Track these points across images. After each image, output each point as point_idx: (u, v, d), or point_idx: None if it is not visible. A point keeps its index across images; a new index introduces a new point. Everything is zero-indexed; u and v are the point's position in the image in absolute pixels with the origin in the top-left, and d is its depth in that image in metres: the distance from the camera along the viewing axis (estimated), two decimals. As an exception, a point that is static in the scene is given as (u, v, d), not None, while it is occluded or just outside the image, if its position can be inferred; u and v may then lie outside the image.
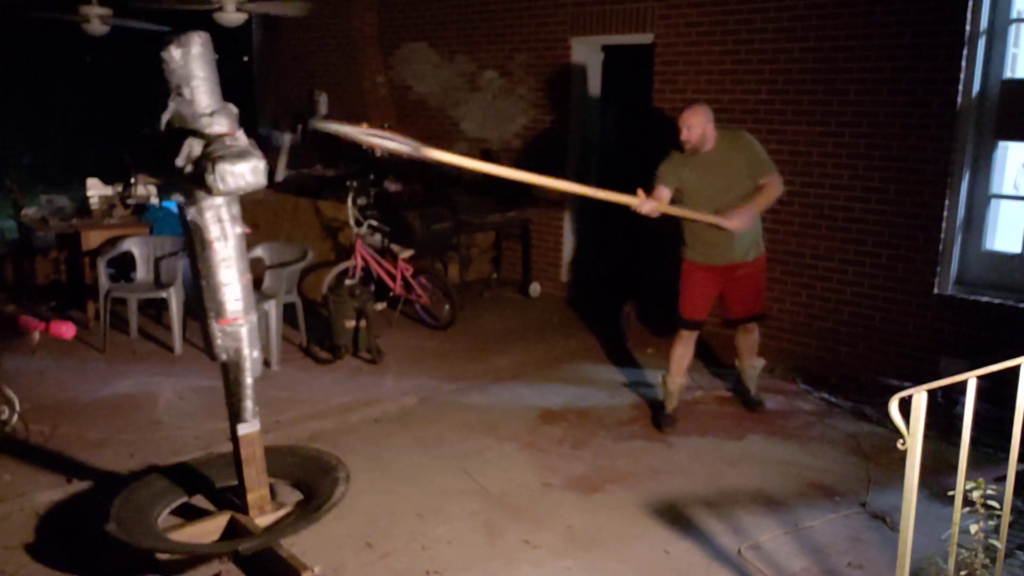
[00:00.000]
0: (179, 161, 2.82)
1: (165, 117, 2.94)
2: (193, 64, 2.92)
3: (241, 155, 2.79)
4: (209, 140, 2.82)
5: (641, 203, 4.28)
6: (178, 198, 3.02)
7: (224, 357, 3.18)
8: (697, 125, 4.42)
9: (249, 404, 3.25)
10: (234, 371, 3.21)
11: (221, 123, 2.92)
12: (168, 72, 2.91)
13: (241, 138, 2.92)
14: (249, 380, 3.22)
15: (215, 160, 2.75)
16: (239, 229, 3.10)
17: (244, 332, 3.15)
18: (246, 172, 2.79)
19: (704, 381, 5.53)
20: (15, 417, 4.26)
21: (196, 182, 2.82)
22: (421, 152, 3.58)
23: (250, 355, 3.19)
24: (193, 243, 3.07)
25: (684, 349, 4.81)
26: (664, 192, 4.50)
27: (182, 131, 2.90)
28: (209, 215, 3.00)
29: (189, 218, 3.03)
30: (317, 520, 3.21)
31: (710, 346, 5.87)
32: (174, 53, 2.90)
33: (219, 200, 2.99)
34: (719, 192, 4.52)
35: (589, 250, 7.82)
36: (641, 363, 5.87)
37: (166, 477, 3.62)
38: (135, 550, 3.19)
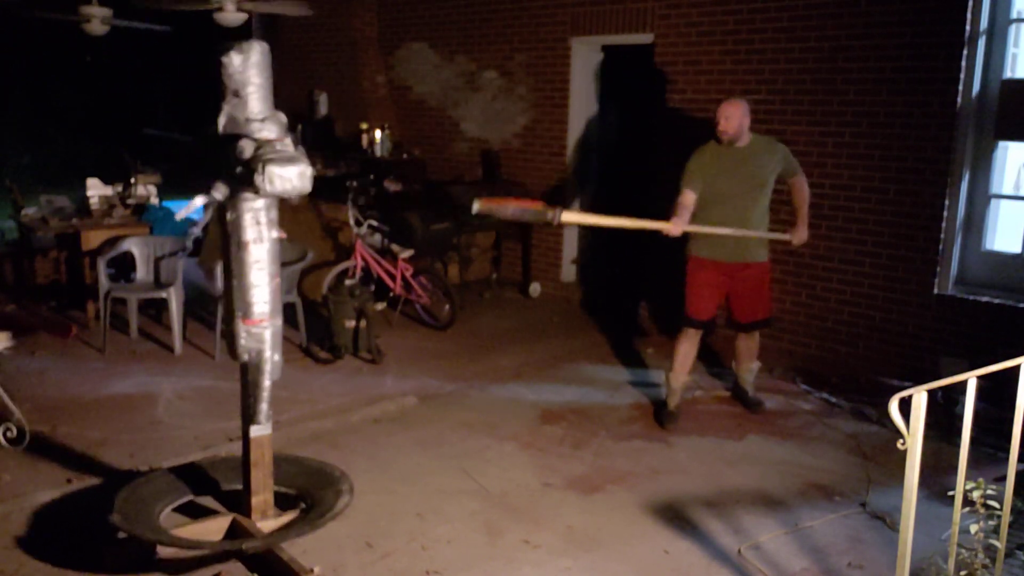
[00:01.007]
0: (231, 161, 2.92)
1: (222, 120, 3.02)
2: (251, 71, 3.01)
3: (291, 160, 2.89)
4: (260, 144, 2.92)
5: (672, 227, 4.46)
6: (209, 198, 3.06)
7: (246, 357, 3.22)
8: (735, 116, 4.49)
9: (264, 407, 3.29)
10: (254, 373, 3.25)
11: (271, 129, 3.00)
12: (225, 76, 2.99)
13: (289, 144, 3.00)
14: (267, 383, 3.26)
15: (266, 162, 2.84)
16: (275, 233, 3.17)
17: (268, 335, 3.21)
18: (294, 176, 2.88)
19: (704, 381, 5.53)
20: (15, 432, 4.26)
21: (244, 183, 2.91)
22: (557, 218, 4.29)
23: (271, 358, 3.24)
24: (229, 243, 3.13)
25: (689, 347, 4.81)
26: (690, 198, 4.55)
27: (226, 135, 3.00)
28: (248, 217, 3.08)
29: (229, 218, 3.09)
30: (320, 527, 3.23)
31: (711, 347, 5.87)
32: (234, 59, 2.98)
33: (260, 203, 3.07)
34: (743, 190, 4.56)
35: (589, 250, 7.82)
36: (641, 363, 5.87)
37: (170, 475, 3.63)
38: (137, 544, 3.21)
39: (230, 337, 3.22)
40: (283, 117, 3.11)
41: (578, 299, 7.49)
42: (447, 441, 4.55)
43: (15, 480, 3.96)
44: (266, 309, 3.18)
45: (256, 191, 2.89)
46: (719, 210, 4.55)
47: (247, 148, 2.90)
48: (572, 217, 4.54)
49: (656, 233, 4.57)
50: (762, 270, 4.79)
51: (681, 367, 4.82)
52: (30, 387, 5.09)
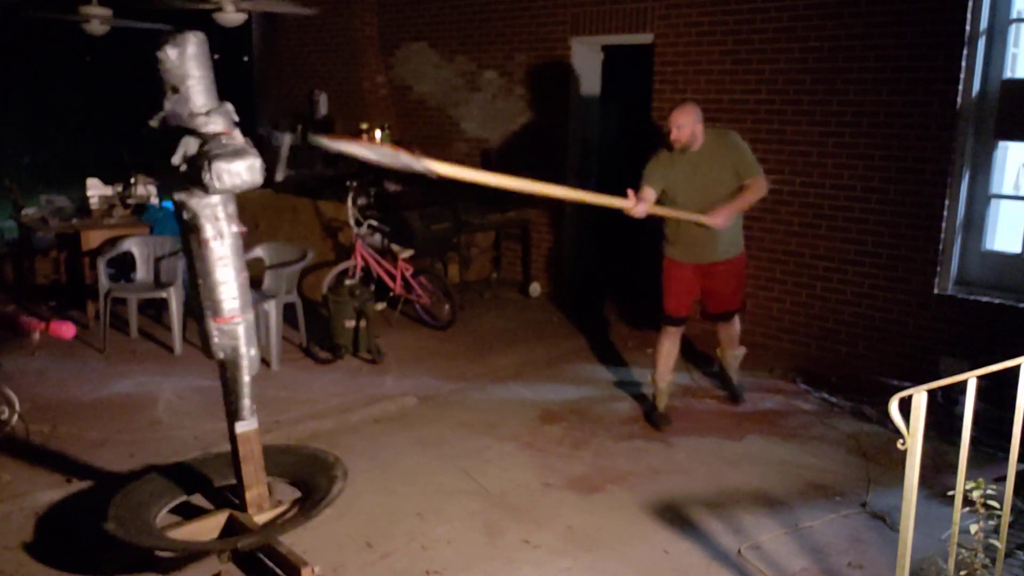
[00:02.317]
0: (175, 159, 2.83)
1: (158, 117, 2.95)
2: (189, 63, 2.92)
3: (237, 153, 2.80)
4: (205, 139, 2.83)
5: (633, 206, 4.34)
6: (177, 197, 3.03)
7: (221, 355, 3.19)
8: (687, 124, 4.48)
9: (247, 402, 3.26)
10: (232, 369, 3.22)
11: (217, 122, 2.92)
12: (164, 71, 2.92)
13: (237, 137, 2.92)
14: (246, 378, 3.23)
15: (211, 159, 2.75)
16: (235, 228, 3.11)
17: (241, 330, 3.17)
18: (242, 170, 2.79)
19: (704, 382, 5.53)
20: (15, 417, 4.26)
21: (192, 180, 2.83)
22: (424, 166, 3.54)
23: (247, 353, 3.21)
24: (189, 242, 3.08)
25: (670, 345, 4.85)
26: (650, 193, 4.55)
27: (179, 130, 2.91)
28: (205, 214, 3.01)
29: (185, 217, 3.04)
30: (315, 516, 3.21)
31: (708, 346, 5.87)
32: (169, 52, 2.90)
33: (215, 199, 3.00)
34: (704, 190, 4.58)
35: (590, 250, 7.82)
36: (641, 363, 5.87)
37: (164, 476, 3.63)
38: (135, 548, 3.20)
39: (204, 337, 3.17)
40: (230, 107, 3.02)
41: (578, 299, 7.49)
42: (447, 441, 4.55)
43: (15, 480, 3.96)
44: (236, 305, 3.13)
45: (205, 189, 2.79)
46: (683, 210, 4.57)
47: (191, 145, 2.81)
48: (451, 170, 3.66)
49: (654, 232, 4.58)
50: (736, 265, 4.82)
51: (665, 366, 4.86)
52: (30, 387, 5.09)
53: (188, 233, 3.07)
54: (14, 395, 4.29)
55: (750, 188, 4.57)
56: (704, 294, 4.88)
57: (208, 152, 2.77)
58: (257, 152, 2.88)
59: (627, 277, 7.13)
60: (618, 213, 4.51)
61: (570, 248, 7.70)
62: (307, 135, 3.96)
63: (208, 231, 3.03)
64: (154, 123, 2.96)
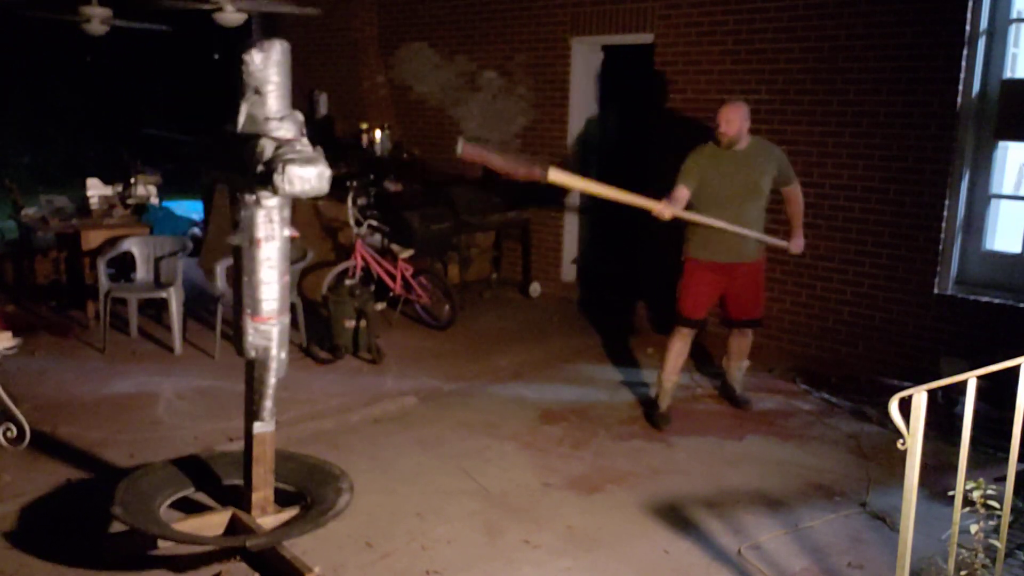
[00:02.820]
0: (252, 160, 2.91)
1: (241, 118, 3.03)
2: (271, 69, 3.02)
3: (310, 160, 2.89)
4: (279, 143, 2.92)
5: (663, 209, 4.49)
6: (241, 196, 3.07)
7: (252, 354, 3.23)
8: (736, 120, 4.52)
9: (269, 404, 3.31)
10: (260, 370, 3.26)
11: (289, 128, 3.01)
12: (246, 74, 3.00)
13: (307, 144, 3.00)
14: (273, 380, 3.28)
15: (286, 162, 2.83)
16: (287, 232, 3.17)
17: (275, 332, 3.22)
18: (313, 177, 2.88)
19: (704, 382, 5.53)
20: (26, 440, 4.25)
21: (262, 182, 2.90)
22: (545, 175, 4.21)
23: (278, 355, 3.26)
24: (241, 239, 3.14)
25: (682, 346, 4.83)
26: (683, 192, 4.60)
27: (243, 133, 3.00)
28: (261, 214, 3.08)
29: (242, 215, 3.09)
30: (322, 525, 3.23)
31: (706, 347, 5.87)
32: (255, 57, 2.99)
33: (273, 202, 3.07)
34: (743, 189, 4.60)
35: (589, 250, 7.82)
36: (641, 363, 5.87)
37: (170, 468, 3.64)
38: (139, 539, 3.21)
39: (237, 333, 3.22)
40: (300, 116, 3.11)
41: (578, 299, 7.49)
42: (447, 441, 4.55)
43: (15, 480, 3.96)
44: (275, 307, 3.19)
45: (275, 191, 2.88)
46: (715, 212, 4.58)
47: (267, 147, 2.89)
48: (561, 177, 4.48)
49: (656, 232, 4.59)
50: (756, 268, 4.82)
51: (673, 367, 4.84)
52: (30, 387, 5.09)
53: (240, 231, 3.13)
54: (17, 411, 4.28)
55: (797, 198, 4.84)
56: (726, 298, 4.84)
57: (283, 156, 2.86)
58: (326, 161, 2.97)
59: (629, 277, 7.12)
60: (622, 213, 4.53)
61: (571, 248, 7.70)
62: (457, 143, 4.38)
63: (261, 231, 3.09)
64: (235, 124, 3.03)
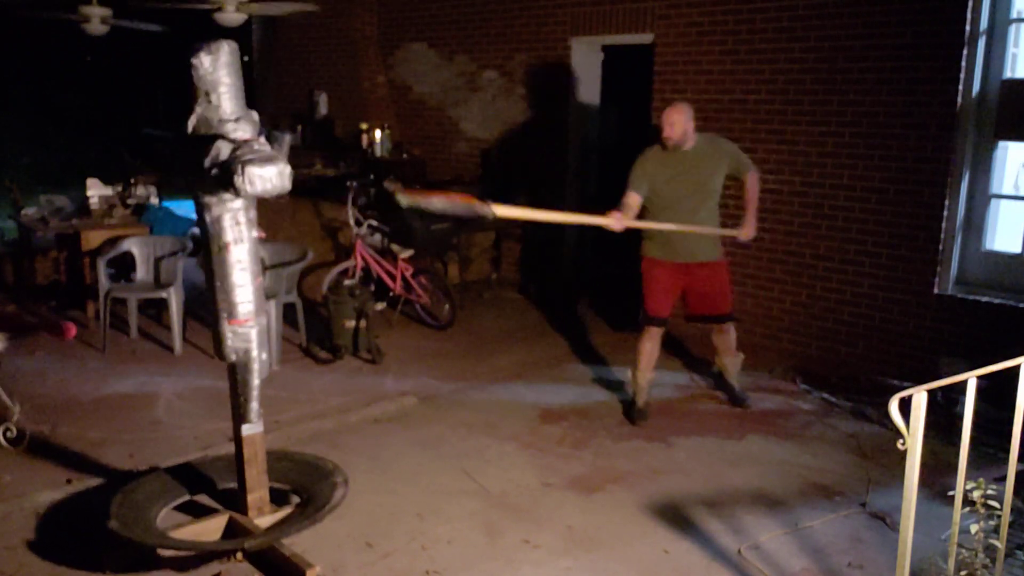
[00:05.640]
0: (207, 163, 2.90)
1: (192, 121, 3.02)
2: (221, 71, 3.00)
3: (269, 159, 2.88)
4: (236, 144, 2.91)
5: (614, 223, 4.49)
6: (202, 199, 3.07)
7: (234, 357, 3.24)
8: (679, 123, 4.55)
9: (255, 405, 3.31)
10: (242, 372, 3.26)
11: (245, 129, 3.00)
12: (196, 78, 3.00)
13: (264, 144, 2.99)
14: (256, 381, 3.28)
15: (244, 163, 2.82)
16: (255, 233, 3.17)
17: (254, 334, 3.22)
18: (273, 175, 2.86)
19: (703, 382, 5.53)
20: (15, 432, 4.25)
21: (222, 184, 2.89)
22: (489, 210, 4.10)
23: (259, 357, 3.26)
24: (210, 244, 3.13)
25: (652, 345, 4.88)
26: (634, 199, 4.63)
27: (200, 136, 2.98)
28: (227, 217, 3.07)
29: (207, 219, 3.09)
30: (319, 521, 3.24)
31: (706, 350, 5.86)
32: (204, 60, 2.98)
33: (238, 203, 3.06)
34: (696, 188, 4.64)
35: (589, 250, 7.81)
36: (641, 363, 5.87)
37: (165, 476, 3.63)
38: (138, 547, 3.20)
39: (217, 338, 3.23)
40: (255, 116, 3.10)
41: (578, 299, 7.49)
42: (447, 441, 4.55)
43: (15, 480, 3.96)
44: (251, 308, 3.19)
45: (236, 192, 2.86)
46: (667, 215, 4.64)
47: (223, 149, 2.88)
48: (507, 211, 4.34)
49: (638, 237, 4.64)
50: (717, 268, 4.86)
51: (646, 365, 4.88)
52: (30, 387, 5.09)
53: (208, 236, 3.12)
54: (15, 406, 4.28)
55: (753, 185, 4.79)
56: (686, 294, 4.89)
57: (241, 157, 2.85)
58: (286, 159, 2.95)
59: (629, 278, 7.11)
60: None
61: (571, 248, 7.70)
62: (385, 188, 4.34)
63: (229, 235, 3.09)
64: (190, 126, 3.02)
